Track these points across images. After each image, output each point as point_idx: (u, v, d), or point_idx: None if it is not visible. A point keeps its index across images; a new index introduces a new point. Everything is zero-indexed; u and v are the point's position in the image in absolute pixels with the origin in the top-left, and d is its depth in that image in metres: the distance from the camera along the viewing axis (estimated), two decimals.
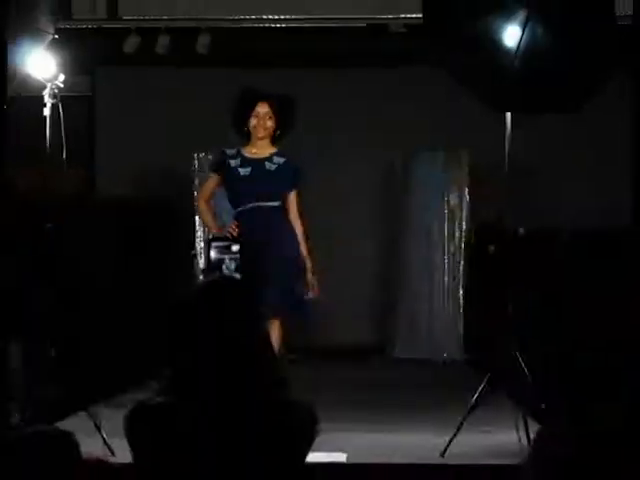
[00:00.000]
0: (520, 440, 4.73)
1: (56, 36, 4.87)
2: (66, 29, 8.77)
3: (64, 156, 5.21)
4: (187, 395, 2.46)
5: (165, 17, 9.83)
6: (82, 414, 5.13)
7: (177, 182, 10.21)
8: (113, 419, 4.36)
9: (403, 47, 9.75)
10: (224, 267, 2.81)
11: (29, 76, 5.10)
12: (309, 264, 6.02)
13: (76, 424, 5.16)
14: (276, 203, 6.01)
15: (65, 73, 5.26)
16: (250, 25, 9.92)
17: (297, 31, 9.94)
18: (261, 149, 6.07)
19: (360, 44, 10.14)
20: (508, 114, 5.23)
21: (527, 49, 5.01)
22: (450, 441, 4.96)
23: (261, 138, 6.04)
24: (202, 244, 10.04)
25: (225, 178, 6.09)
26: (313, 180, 10.81)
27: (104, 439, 4.79)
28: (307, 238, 6.13)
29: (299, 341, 10.21)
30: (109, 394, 6.65)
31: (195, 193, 10.18)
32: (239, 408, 2.43)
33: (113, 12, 9.71)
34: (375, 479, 4.66)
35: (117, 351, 8.88)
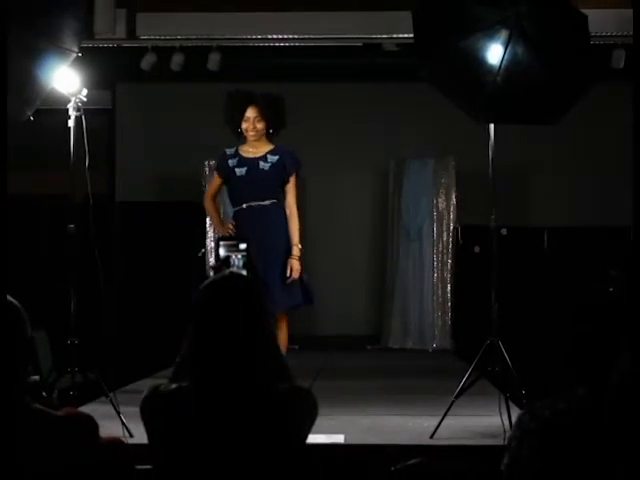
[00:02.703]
0: (503, 423, 4.72)
1: (80, 54, 4.85)
2: (89, 48, 8.77)
3: (87, 163, 5.20)
4: (198, 382, 2.46)
5: (179, 37, 9.83)
6: (103, 399, 5.12)
7: (189, 187, 10.20)
8: (131, 404, 4.36)
9: (396, 64, 9.76)
10: (232, 264, 2.80)
11: (55, 90, 5.09)
12: (295, 251, 5.89)
13: (98, 408, 5.16)
14: (269, 202, 5.89)
15: (88, 88, 5.25)
16: (257, 44, 9.92)
17: (300, 49, 9.94)
18: (257, 148, 5.95)
19: (357, 61, 10.16)
20: (492, 125, 5.23)
21: (509, 66, 5.01)
22: (439, 424, 4.96)
23: (254, 139, 5.93)
24: (213, 244, 10.05)
25: (225, 178, 6.01)
26: (312, 185, 10.85)
27: (123, 422, 4.78)
28: (300, 227, 6.05)
29: (299, 332, 10.24)
30: (128, 381, 6.65)
31: None
32: (246, 394, 2.42)
33: (131, 32, 9.71)
34: (370, 459, 4.64)
35: (135, 342, 8.90)
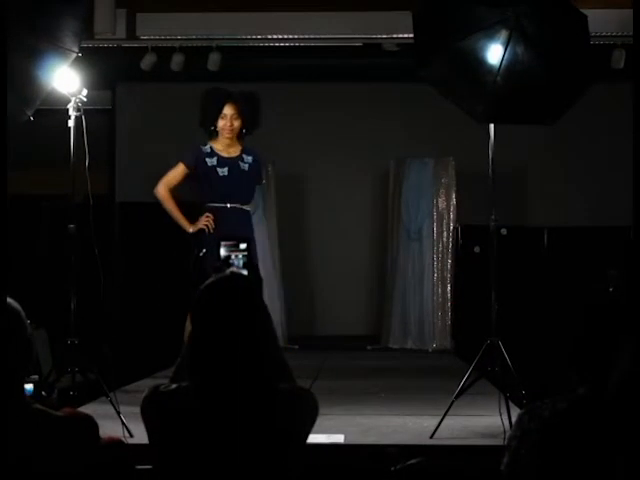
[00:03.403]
0: (503, 423, 4.72)
1: (80, 54, 4.85)
2: (89, 48, 8.77)
3: (87, 163, 5.20)
4: (198, 382, 2.46)
5: (179, 37, 9.83)
6: (103, 399, 5.12)
7: (189, 187, 10.19)
8: (131, 404, 4.36)
9: (396, 64, 9.76)
10: (232, 264, 2.80)
11: (55, 90, 5.09)
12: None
13: (98, 408, 5.16)
14: (248, 207, 5.95)
15: (88, 88, 5.25)
16: (256, 44, 9.92)
17: (299, 49, 9.94)
18: (231, 147, 5.94)
19: (357, 61, 10.16)
20: (491, 125, 5.23)
21: (509, 66, 5.01)
22: (439, 424, 4.96)
23: (229, 138, 5.91)
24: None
25: (198, 174, 5.91)
26: (312, 185, 10.85)
27: (123, 422, 4.78)
28: None
29: (299, 332, 10.25)
30: (128, 381, 6.65)
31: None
32: (246, 394, 2.42)
33: (132, 32, 9.70)
34: (369, 459, 4.64)
35: (135, 342, 8.89)
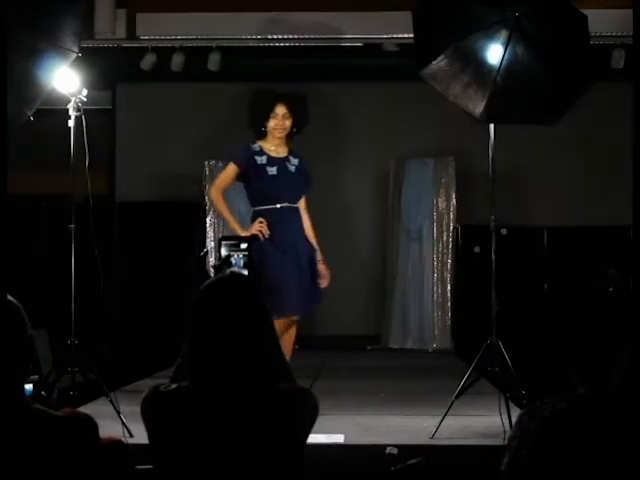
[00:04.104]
0: (503, 423, 4.72)
1: (80, 54, 4.85)
2: (89, 48, 8.77)
3: (87, 163, 5.20)
4: (198, 382, 2.46)
5: (179, 37, 9.83)
6: (103, 399, 5.12)
7: (189, 187, 10.21)
8: (131, 404, 4.36)
9: (396, 64, 9.77)
10: (233, 263, 2.80)
11: (55, 91, 5.09)
12: (320, 256, 5.89)
13: (97, 408, 5.16)
14: (296, 205, 5.86)
15: (88, 88, 5.25)
16: (256, 44, 9.92)
17: (299, 49, 9.94)
18: (279, 148, 5.86)
19: (357, 61, 10.16)
20: (491, 125, 5.23)
21: (509, 66, 5.01)
22: (439, 424, 4.96)
23: (280, 138, 5.83)
24: (212, 243, 10.05)
25: (248, 173, 5.82)
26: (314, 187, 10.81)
27: (123, 422, 4.78)
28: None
29: (299, 332, 10.24)
30: (128, 381, 6.65)
31: (206, 197, 10.20)
32: (246, 394, 2.42)
33: (132, 32, 9.71)
34: (369, 459, 4.64)
35: (135, 342, 8.89)
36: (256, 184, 5.81)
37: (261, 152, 5.83)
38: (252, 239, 5.54)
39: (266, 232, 5.64)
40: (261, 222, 5.67)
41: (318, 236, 5.98)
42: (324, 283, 5.87)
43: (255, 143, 5.85)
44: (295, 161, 5.89)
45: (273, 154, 5.84)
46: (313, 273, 5.79)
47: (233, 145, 6.03)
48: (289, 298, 5.63)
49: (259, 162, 5.80)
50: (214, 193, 5.90)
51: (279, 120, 5.80)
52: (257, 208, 5.79)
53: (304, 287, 5.72)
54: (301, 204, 5.91)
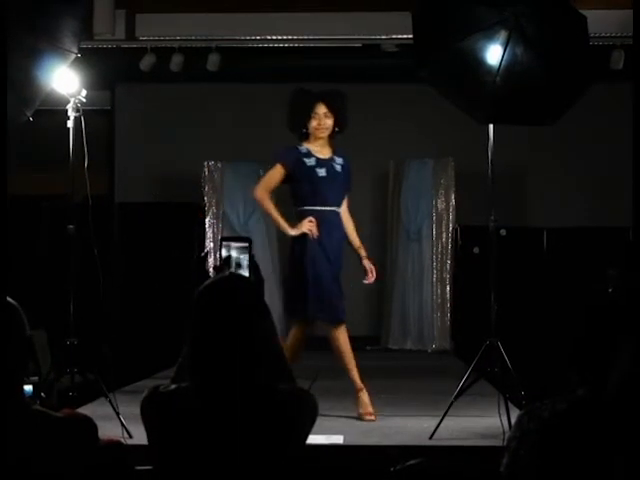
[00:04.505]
0: (502, 423, 4.72)
1: (79, 55, 4.85)
2: (88, 48, 8.78)
3: (86, 164, 5.20)
4: (198, 382, 2.46)
5: (178, 37, 9.83)
6: (102, 400, 5.12)
7: (189, 187, 10.21)
8: (130, 404, 4.36)
9: (395, 64, 9.77)
10: (234, 264, 2.78)
11: (54, 91, 5.09)
12: (364, 252, 5.84)
13: (97, 409, 5.16)
14: (340, 209, 5.76)
15: (87, 89, 5.25)
16: (256, 45, 9.92)
17: (299, 50, 9.94)
18: (324, 148, 5.77)
19: (356, 61, 10.16)
20: (491, 126, 5.23)
21: (508, 66, 5.01)
22: (438, 425, 4.96)
23: (322, 138, 5.73)
24: (212, 244, 10.05)
25: (296, 175, 5.71)
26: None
27: (122, 423, 4.78)
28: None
29: None
30: (128, 382, 6.65)
31: (205, 198, 10.20)
32: (245, 395, 2.42)
33: (131, 33, 9.71)
34: (369, 460, 4.64)
35: (134, 343, 8.90)
36: (305, 185, 5.70)
37: (309, 154, 5.73)
38: (300, 237, 5.52)
39: (315, 232, 5.60)
40: (311, 221, 5.61)
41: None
42: (370, 279, 5.82)
43: (302, 145, 5.77)
44: (340, 160, 5.79)
45: (320, 155, 5.75)
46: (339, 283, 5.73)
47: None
48: (315, 304, 5.62)
49: (308, 164, 5.70)
50: (259, 193, 5.78)
51: (320, 119, 5.70)
52: (302, 208, 5.70)
53: (333, 298, 5.67)
54: (343, 204, 5.82)
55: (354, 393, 5.72)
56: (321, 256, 5.64)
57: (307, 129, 5.74)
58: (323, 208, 5.68)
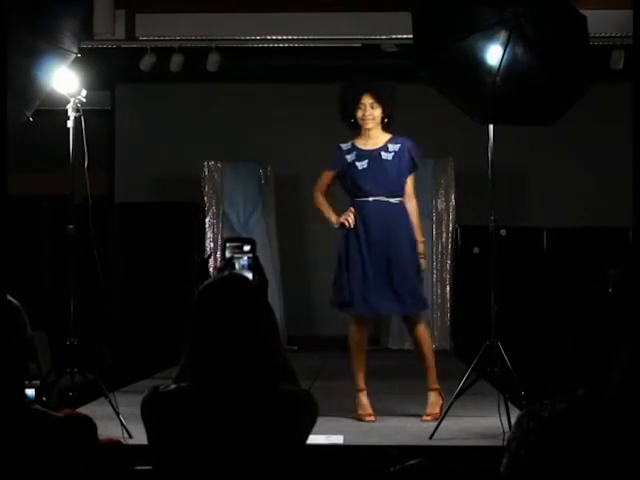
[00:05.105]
0: (502, 423, 4.72)
1: (79, 55, 4.85)
2: (88, 48, 8.78)
3: (86, 164, 5.20)
4: (198, 382, 2.46)
5: (178, 38, 9.83)
6: (102, 400, 5.12)
7: (189, 187, 10.21)
8: (130, 404, 4.36)
9: (395, 64, 9.76)
10: (236, 265, 2.78)
11: (54, 91, 5.09)
12: (421, 248, 5.68)
13: (97, 409, 5.16)
14: (396, 200, 5.65)
15: (87, 89, 5.25)
16: (256, 45, 9.92)
17: (299, 50, 9.94)
18: (375, 139, 5.71)
19: (356, 61, 10.15)
20: (491, 126, 5.23)
21: (508, 67, 5.02)
22: (438, 425, 4.96)
23: (370, 129, 5.69)
24: (212, 244, 10.05)
25: (341, 172, 5.74)
26: (311, 185, 10.81)
27: (122, 423, 4.78)
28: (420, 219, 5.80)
29: (298, 333, 10.25)
30: (128, 382, 6.65)
31: (205, 198, 10.21)
32: (245, 395, 2.42)
33: (131, 33, 9.71)
34: (369, 460, 4.65)
35: (134, 343, 8.90)
36: (347, 180, 5.74)
37: (351, 149, 5.74)
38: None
39: (352, 221, 5.61)
40: (350, 211, 5.65)
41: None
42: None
43: (347, 142, 5.78)
44: (395, 147, 5.70)
45: (363, 147, 5.72)
46: (402, 275, 5.58)
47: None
48: (351, 296, 5.63)
49: (349, 160, 5.71)
50: (315, 198, 5.89)
51: (366, 110, 5.66)
52: (353, 200, 5.74)
53: (379, 289, 5.59)
54: (407, 189, 5.70)
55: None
56: (354, 247, 5.65)
57: (356, 120, 5.72)
58: (367, 199, 5.65)
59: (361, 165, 5.68)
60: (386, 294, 5.59)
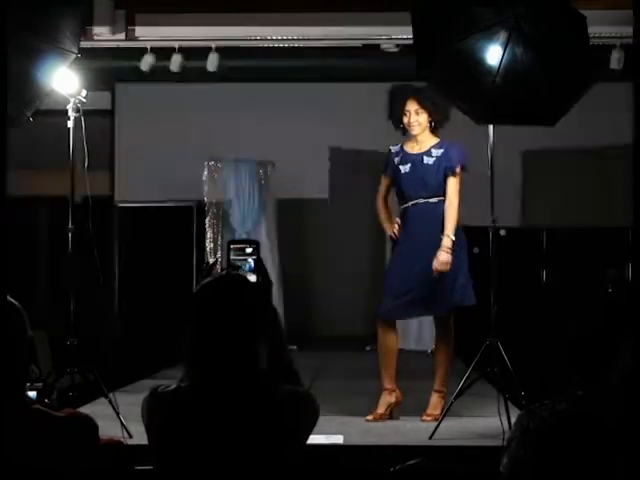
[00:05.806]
0: (502, 424, 4.72)
1: (79, 55, 4.86)
2: (88, 49, 8.78)
3: (86, 164, 5.20)
4: (198, 382, 2.46)
5: (178, 38, 9.83)
6: (102, 400, 5.12)
7: (189, 188, 10.21)
8: (130, 404, 4.36)
9: (395, 64, 9.76)
10: (242, 268, 2.79)
11: (54, 92, 5.09)
12: (445, 242, 5.55)
13: (97, 409, 5.16)
14: (436, 199, 5.62)
15: (87, 89, 5.26)
16: (256, 45, 9.92)
17: (299, 50, 9.94)
18: (421, 143, 5.71)
19: (356, 61, 10.16)
20: (490, 126, 5.23)
21: (508, 67, 5.02)
22: (438, 425, 4.96)
23: (418, 134, 5.69)
24: (212, 244, 10.05)
25: (392, 176, 5.77)
26: (311, 185, 10.82)
27: (122, 423, 4.78)
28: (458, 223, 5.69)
29: (297, 332, 10.25)
30: (128, 382, 6.65)
31: (205, 198, 10.21)
32: (245, 395, 2.42)
33: (131, 33, 9.71)
34: (368, 460, 4.65)
35: (134, 343, 8.90)
36: (396, 184, 5.78)
37: (398, 152, 5.76)
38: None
39: (397, 233, 5.71)
40: (396, 222, 5.72)
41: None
42: (437, 267, 5.54)
43: (397, 145, 5.81)
44: (439, 152, 5.68)
45: (410, 151, 5.74)
46: (443, 279, 5.55)
47: None
48: (386, 302, 5.78)
49: (396, 162, 5.74)
50: (377, 205, 5.93)
51: (411, 116, 5.66)
52: (400, 207, 5.77)
53: (418, 294, 5.59)
54: (447, 191, 5.63)
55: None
56: (397, 254, 5.77)
57: (403, 125, 5.73)
58: (407, 204, 5.69)
59: (404, 169, 5.71)
60: (418, 299, 5.62)
